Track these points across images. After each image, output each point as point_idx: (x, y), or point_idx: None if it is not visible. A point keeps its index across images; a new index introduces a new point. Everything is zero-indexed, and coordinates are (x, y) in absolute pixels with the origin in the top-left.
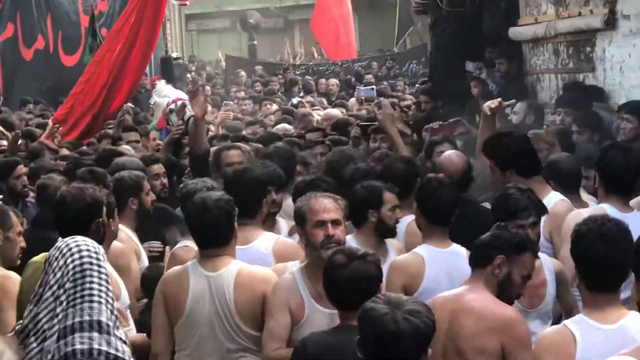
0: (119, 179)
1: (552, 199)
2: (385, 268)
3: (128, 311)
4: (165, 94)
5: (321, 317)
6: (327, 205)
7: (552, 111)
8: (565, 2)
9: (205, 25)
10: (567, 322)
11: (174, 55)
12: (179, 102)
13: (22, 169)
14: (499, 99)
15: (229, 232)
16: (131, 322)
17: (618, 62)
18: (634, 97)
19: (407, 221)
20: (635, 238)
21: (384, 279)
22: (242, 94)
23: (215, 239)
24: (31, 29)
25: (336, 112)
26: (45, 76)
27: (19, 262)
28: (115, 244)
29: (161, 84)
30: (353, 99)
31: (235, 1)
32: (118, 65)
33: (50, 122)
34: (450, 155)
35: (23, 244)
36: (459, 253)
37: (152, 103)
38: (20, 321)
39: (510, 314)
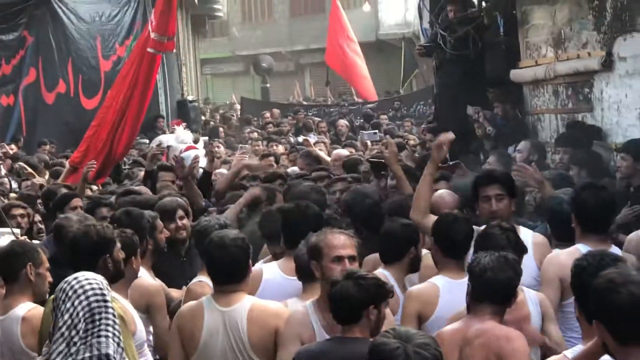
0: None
1: (529, 231)
2: None
3: (144, 348)
4: (182, 139)
5: None
6: (345, 242)
7: (552, 150)
8: (564, 45)
9: (219, 69)
10: (567, 352)
11: (190, 98)
12: (191, 152)
13: (78, 201)
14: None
15: (245, 269)
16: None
17: (615, 102)
18: (631, 135)
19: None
20: None
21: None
22: (255, 134)
23: (231, 276)
24: (53, 74)
25: (345, 152)
26: (67, 119)
27: (47, 296)
28: (152, 282)
29: (180, 130)
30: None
31: (248, 46)
32: (122, 110)
33: (67, 163)
34: (442, 194)
35: (51, 279)
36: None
37: (155, 144)
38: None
39: (505, 332)
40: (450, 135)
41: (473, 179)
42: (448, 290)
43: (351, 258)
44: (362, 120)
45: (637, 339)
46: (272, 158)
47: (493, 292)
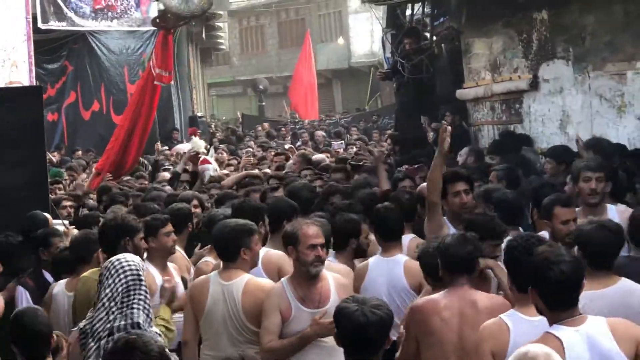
0: (179, 208)
1: None
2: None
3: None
4: (198, 146)
5: (304, 315)
6: (317, 232)
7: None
8: (499, 70)
9: (222, 91)
10: (502, 316)
11: (199, 114)
12: (207, 166)
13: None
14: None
15: (235, 251)
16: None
17: (540, 115)
18: (553, 142)
19: (408, 239)
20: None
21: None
22: (252, 143)
23: (226, 255)
24: (89, 96)
25: (322, 156)
26: (100, 132)
27: None
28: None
29: (195, 139)
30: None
31: (246, 72)
32: (130, 130)
33: (94, 169)
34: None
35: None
36: (397, 261)
37: (174, 152)
38: (80, 323)
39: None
40: (448, 128)
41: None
42: (375, 266)
43: (322, 245)
44: (333, 134)
45: (564, 306)
46: (283, 157)
47: (459, 264)
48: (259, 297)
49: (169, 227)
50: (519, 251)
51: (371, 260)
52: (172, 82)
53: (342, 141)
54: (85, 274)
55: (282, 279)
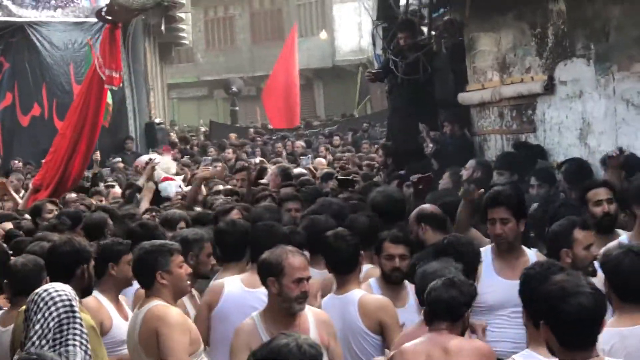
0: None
1: (532, 251)
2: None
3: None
4: (167, 167)
5: None
6: (304, 263)
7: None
8: (509, 70)
9: (184, 93)
10: (516, 357)
11: (157, 120)
12: (170, 183)
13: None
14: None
15: (145, 277)
16: None
17: (556, 123)
18: (571, 154)
19: (365, 269)
20: None
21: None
22: (230, 151)
23: (139, 282)
24: (28, 98)
25: (302, 170)
26: (41, 140)
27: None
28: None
29: (166, 157)
30: (318, 159)
31: (212, 72)
32: (74, 140)
33: (31, 185)
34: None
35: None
36: (351, 299)
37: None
38: None
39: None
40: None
41: (483, 201)
42: (325, 304)
43: (308, 279)
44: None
45: (582, 345)
46: (244, 172)
47: (441, 310)
48: (152, 327)
49: (130, 256)
50: (538, 280)
51: (324, 300)
52: (124, 84)
53: (310, 156)
54: (24, 307)
55: (254, 314)
